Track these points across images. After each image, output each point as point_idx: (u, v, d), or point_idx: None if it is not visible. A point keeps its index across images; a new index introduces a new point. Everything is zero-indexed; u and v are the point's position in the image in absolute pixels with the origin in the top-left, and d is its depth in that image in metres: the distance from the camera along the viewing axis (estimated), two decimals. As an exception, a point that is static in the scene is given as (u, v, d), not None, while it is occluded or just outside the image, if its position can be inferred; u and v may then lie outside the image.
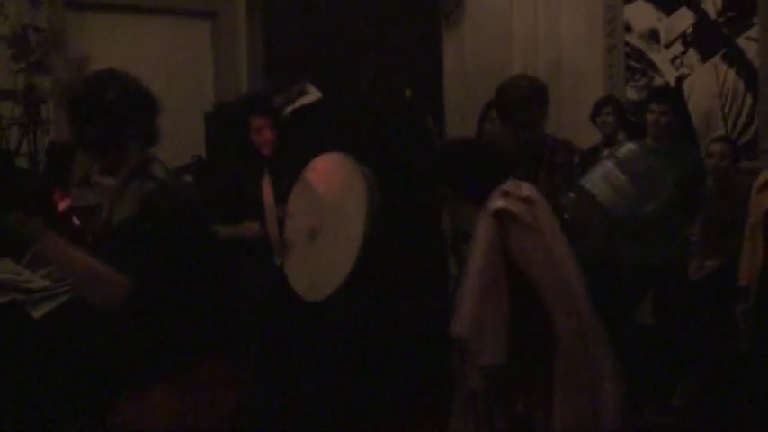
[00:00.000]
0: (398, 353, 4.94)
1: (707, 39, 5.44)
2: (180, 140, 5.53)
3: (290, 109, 4.68)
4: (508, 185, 2.74)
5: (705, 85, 5.46)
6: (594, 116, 5.18)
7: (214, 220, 4.05)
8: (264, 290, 4.07)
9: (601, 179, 3.44)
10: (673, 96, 5.00)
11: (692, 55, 5.52)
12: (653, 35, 5.74)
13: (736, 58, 5.29)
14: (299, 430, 4.28)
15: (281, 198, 4.07)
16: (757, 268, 4.11)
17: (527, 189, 2.74)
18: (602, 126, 5.11)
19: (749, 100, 5.22)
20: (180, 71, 5.80)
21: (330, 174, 3.93)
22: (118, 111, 2.51)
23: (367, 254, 3.61)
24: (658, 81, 5.68)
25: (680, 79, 5.59)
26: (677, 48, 5.60)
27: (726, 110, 5.35)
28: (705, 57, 5.46)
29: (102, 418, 3.72)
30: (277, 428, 4.19)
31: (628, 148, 3.72)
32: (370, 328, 4.89)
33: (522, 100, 3.55)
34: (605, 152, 4.30)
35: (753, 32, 5.18)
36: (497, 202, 2.69)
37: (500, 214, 2.67)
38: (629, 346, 4.85)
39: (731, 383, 4.56)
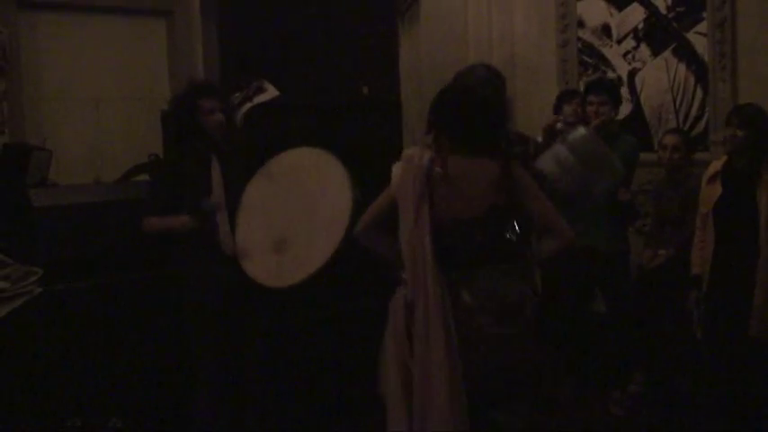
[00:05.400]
0: (358, 353, 4.90)
1: (658, 34, 5.53)
2: (137, 139, 5.55)
3: (248, 106, 4.67)
4: None
5: (656, 79, 5.55)
6: (559, 106, 5.22)
7: (155, 210, 4.01)
8: (214, 284, 3.99)
9: (551, 159, 3.69)
10: (608, 86, 5.07)
11: (644, 50, 5.61)
12: (605, 30, 5.82)
13: (686, 53, 5.38)
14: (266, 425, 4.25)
15: (230, 188, 4.03)
16: (708, 257, 4.20)
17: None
18: (567, 116, 5.15)
19: (699, 93, 5.31)
20: (135, 70, 5.79)
21: (308, 166, 3.93)
22: None
23: (346, 247, 3.62)
24: (611, 75, 5.76)
25: (632, 73, 5.67)
26: (629, 43, 5.68)
27: (677, 103, 5.44)
28: (656, 51, 5.55)
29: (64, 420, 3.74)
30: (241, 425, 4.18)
31: (579, 132, 3.91)
32: (327, 329, 4.85)
33: (479, 84, 3.61)
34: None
35: (702, 27, 5.27)
36: None
37: None
38: (584, 335, 4.98)
39: (686, 370, 4.65)
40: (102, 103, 5.67)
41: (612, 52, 5.78)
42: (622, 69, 5.72)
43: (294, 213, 3.88)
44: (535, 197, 3.07)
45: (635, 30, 5.64)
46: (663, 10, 5.46)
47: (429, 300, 2.93)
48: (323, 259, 3.68)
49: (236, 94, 4.67)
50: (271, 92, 5.11)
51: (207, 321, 4.01)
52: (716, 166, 4.27)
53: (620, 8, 5.70)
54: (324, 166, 3.86)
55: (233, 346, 4.08)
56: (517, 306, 3.03)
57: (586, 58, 5.92)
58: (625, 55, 5.71)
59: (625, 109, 5.64)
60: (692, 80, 5.35)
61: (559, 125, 4.39)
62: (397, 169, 3.13)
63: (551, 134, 4.47)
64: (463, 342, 2.94)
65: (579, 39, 5.95)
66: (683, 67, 5.40)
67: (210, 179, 3.97)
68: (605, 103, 4.76)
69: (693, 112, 5.35)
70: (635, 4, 5.61)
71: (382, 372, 3.20)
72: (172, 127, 4.21)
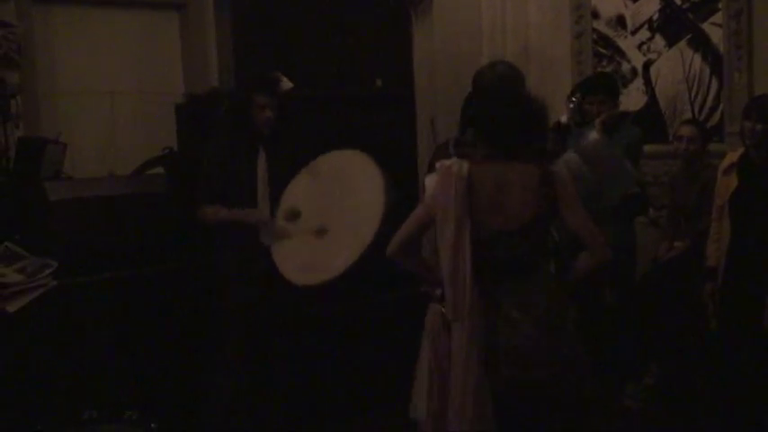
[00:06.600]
0: (384, 343, 4.90)
1: (672, 24, 5.49)
2: (151, 132, 5.56)
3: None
4: None
5: (671, 70, 5.51)
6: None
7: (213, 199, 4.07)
8: (250, 271, 4.08)
9: (562, 166, 3.65)
10: (603, 84, 4.99)
11: (659, 40, 5.57)
12: (620, 21, 5.79)
13: (701, 44, 5.34)
14: (279, 421, 4.27)
15: (274, 182, 4.11)
16: (724, 249, 4.18)
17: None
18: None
19: (715, 84, 5.28)
20: (149, 64, 5.81)
21: (346, 168, 4.02)
22: None
23: (373, 249, 3.65)
24: (625, 66, 5.73)
25: (647, 65, 5.64)
26: (644, 33, 5.65)
27: (692, 94, 5.41)
28: (671, 42, 5.51)
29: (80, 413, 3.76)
30: (257, 419, 4.20)
31: (590, 139, 3.91)
32: (355, 320, 4.86)
33: (497, 80, 3.59)
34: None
35: (717, 18, 5.23)
36: None
37: None
38: (596, 328, 4.96)
39: (701, 362, 4.63)
40: (116, 96, 5.69)
41: (627, 43, 5.75)
42: (637, 60, 5.69)
43: (328, 215, 3.96)
44: (574, 209, 2.93)
45: (650, 21, 5.60)
46: (678, 1, 5.43)
47: (468, 317, 2.81)
48: (340, 269, 3.76)
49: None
50: (284, 84, 5.12)
51: (242, 319, 4.13)
52: (732, 157, 4.24)
53: (635, -1, 5.67)
54: (363, 172, 3.92)
55: (258, 340, 4.17)
56: (559, 317, 2.91)
57: (601, 50, 5.89)
58: (640, 46, 5.67)
59: (640, 100, 5.62)
60: (707, 71, 5.31)
61: (563, 119, 4.39)
62: (430, 181, 3.02)
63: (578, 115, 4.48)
64: (507, 356, 2.84)
65: (594, 30, 5.92)
66: (698, 58, 5.36)
67: (256, 172, 4.08)
68: (604, 102, 4.71)
69: (709, 102, 5.32)
70: (649, -5, 5.58)
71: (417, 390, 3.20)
72: (224, 117, 4.28)
